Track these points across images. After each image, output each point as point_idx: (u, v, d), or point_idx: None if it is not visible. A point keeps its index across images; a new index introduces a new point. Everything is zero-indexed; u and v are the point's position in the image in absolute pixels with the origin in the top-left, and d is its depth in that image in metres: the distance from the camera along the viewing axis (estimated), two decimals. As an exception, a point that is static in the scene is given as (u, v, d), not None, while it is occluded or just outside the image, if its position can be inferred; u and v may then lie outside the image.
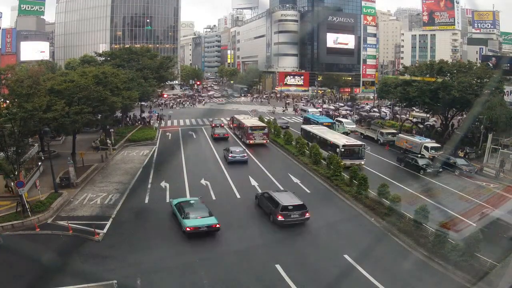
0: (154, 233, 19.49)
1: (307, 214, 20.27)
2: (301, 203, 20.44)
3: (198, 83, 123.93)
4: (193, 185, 26.89)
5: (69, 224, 19.71)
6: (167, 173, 29.63)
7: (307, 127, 40.26)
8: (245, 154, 33.59)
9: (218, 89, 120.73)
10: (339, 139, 33.04)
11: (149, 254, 17.09)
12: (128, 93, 37.47)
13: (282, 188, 24.71)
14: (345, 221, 21.34)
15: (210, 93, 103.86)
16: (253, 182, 27.46)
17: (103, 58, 57.13)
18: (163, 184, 27.04)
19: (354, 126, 47.96)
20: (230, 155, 32.84)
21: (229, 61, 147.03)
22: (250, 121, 43.67)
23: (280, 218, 19.83)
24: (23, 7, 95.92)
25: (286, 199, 20.66)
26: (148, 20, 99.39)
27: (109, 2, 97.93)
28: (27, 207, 20.67)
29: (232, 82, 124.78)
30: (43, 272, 15.51)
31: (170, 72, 64.48)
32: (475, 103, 35.57)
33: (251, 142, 39.30)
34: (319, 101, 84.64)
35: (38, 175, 27.58)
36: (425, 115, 53.19)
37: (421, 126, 48.43)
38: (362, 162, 31.47)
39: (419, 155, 33.18)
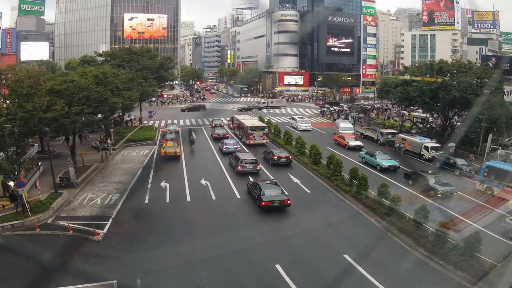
0: (154, 233, 19.50)
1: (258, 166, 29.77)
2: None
3: (198, 83, 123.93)
4: (193, 185, 26.89)
5: (69, 224, 19.73)
6: (167, 173, 29.65)
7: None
8: (238, 146, 36.67)
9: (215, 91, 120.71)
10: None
11: (149, 254, 17.10)
12: (128, 93, 37.48)
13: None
14: (345, 221, 21.34)
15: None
16: (253, 182, 27.38)
17: (103, 58, 57.12)
18: (163, 184, 27.04)
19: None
20: (224, 146, 36.15)
21: (229, 61, 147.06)
22: (250, 121, 43.77)
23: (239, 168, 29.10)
24: (23, 7, 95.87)
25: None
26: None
27: (109, 2, 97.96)
28: (27, 207, 20.69)
29: (232, 82, 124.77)
30: (43, 272, 15.53)
31: (170, 72, 64.50)
32: (475, 103, 35.55)
33: (251, 142, 39.47)
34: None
35: (38, 175, 27.60)
36: (425, 115, 53.21)
37: (421, 126, 48.43)
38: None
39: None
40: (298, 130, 48.42)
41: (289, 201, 22.26)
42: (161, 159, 33.85)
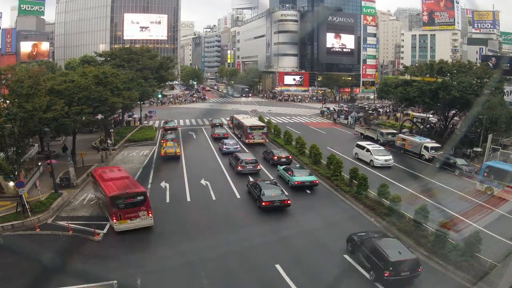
0: (154, 233, 19.52)
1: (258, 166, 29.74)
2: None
3: (202, 87, 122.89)
4: (193, 185, 26.89)
5: (69, 224, 19.74)
6: (167, 173, 29.65)
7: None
8: (238, 146, 36.71)
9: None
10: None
11: (149, 254, 17.10)
12: (128, 93, 37.49)
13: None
14: (345, 221, 21.32)
15: None
16: (253, 182, 27.35)
17: (103, 58, 57.11)
18: (163, 184, 27.05)
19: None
20: (224, 146, 36.27)
21: (229, 61, 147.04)
22: (249, 120, 43.97)
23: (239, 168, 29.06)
24: (23, 7, 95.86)
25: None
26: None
27: (109, 2, 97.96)
28: (27, 207, 20.68)
29: (232, 82, 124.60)
30: (43, 272, 15.52)
31: (170, 72, 64.49)
32: (475, 103, 35.56)
33: (250, 141, 39.69)
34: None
35: (38, 175, 27.59)
36: (425, 115, 53.25)
37: (421, 126, 48.43)
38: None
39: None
40: (375, 166, 31.91)
41: (289, 201, 22.29)
42: (161, 159, 33.84)
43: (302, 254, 17.44)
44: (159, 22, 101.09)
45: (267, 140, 40.70)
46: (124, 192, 19.64)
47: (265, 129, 40.86)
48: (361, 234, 17.47)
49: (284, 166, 28.82)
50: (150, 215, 19.71)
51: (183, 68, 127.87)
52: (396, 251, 15.20)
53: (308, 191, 25.99)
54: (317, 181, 26.26)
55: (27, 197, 21.41)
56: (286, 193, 23.34)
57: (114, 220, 19.05)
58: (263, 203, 21.98)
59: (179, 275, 15.56)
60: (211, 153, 37.02)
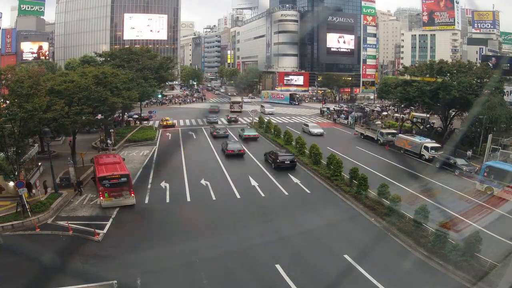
0: (154, 233, 19.51)
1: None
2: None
3: (202, 87, 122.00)
4: (193, 185, 26.89)
5: (69, 224, 19.74)
6: (167, 173, 29.65)
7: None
8: (217, 118, 55.44)
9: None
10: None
11: (149, 254, 17.08)
12: (128, 93, 37.48)
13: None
14: (345, 221, 21.34)
15: None
16: (253, 182, 27.45)
17: (103, 59, 57.10)
18: (163, 184, 27.05)
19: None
20: (208, 118, 55.08)
21: (229, 61, 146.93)
22: (233, 98, 71.60)
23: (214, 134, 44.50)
24: (23, 7, 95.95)
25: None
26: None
27: (109, 2, 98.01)
28: (27, 207, 20.68)
29: (232, 82, 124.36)
30: (43, 272, 15.52)
31: (170, 72, 64.54)
32: (475, 103, 35.55)
33: (232, 110, 64.31)
34: None
35: (38, 176, 27.58)
36: (425, 115, 53.24)
37: (421, 126, 48.41)
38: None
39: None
40: None
41: (243, 151, 34.83)
42: (161, 159, 34.16)
43: (302, 254, 17.44)
44: (159, 22, 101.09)
45: (242, 110, 64.01)
46: (110, 174, 22.80)
47: (241, 103, 66.68)
48: (271, 150, 33.43)
49: (241, 128, 45.44)
50: (132, 194, 22.58)
51: (183, 68, 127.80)
52: (284, 154, 31.88)
53: (308, 191, 25.99)
54: (257, 135, 43.05)
55: (27, 197, 21.42)
56: (244, 148, 35.52)
57: (101, 197, 22.02)
58: (228, 151, 34.47)
59: (179, 275, 15.56)
60: (211, 153, 37.00)
